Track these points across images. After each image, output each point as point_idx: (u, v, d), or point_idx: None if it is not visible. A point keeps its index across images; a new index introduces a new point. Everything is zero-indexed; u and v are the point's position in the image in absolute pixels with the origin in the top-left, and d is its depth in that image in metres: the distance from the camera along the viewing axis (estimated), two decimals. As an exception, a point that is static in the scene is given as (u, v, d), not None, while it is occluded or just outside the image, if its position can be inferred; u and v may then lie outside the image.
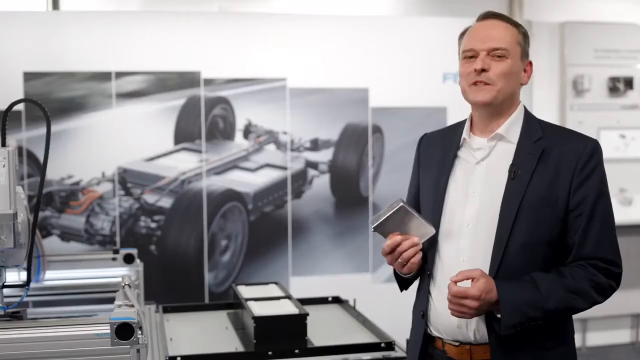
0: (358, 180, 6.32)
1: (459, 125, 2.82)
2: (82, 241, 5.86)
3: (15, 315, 2.85)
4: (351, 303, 4.05)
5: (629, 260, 7.15)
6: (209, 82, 6.03)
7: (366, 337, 3.52)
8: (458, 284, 2.48)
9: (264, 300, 3.65)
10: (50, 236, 5.80)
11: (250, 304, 3.53)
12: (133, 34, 5.95)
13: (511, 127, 2.66)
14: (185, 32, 6.03)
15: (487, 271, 2.53)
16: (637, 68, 7.06)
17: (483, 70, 2.60)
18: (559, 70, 6.95)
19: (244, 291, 3.84)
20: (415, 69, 6.36)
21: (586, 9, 7.24)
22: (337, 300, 4.22)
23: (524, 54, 2.68)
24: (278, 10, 6.63)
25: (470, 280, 2.46)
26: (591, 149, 2.57)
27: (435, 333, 2.69)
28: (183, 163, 6.01)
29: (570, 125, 6.86)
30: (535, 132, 2.64)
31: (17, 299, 2.88)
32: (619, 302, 6.97)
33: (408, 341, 2.93)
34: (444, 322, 2.64)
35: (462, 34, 2.79)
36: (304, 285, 5.99)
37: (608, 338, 7.16)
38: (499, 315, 2.48)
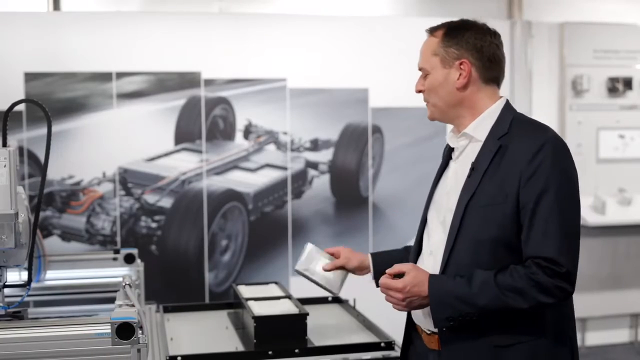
0: (358, 180, 6.33)
1: None
2: (83, 241, 5.87)
3: (16, 315, 2.85)
4: (351, 303, 4.05)
5: (627, 260, 7.23)
6: (209, 82, 6.04)
7: (366, 337, 3.52)
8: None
9: (264, 300, 3.65)
10: (51, 236, 5.81)
11: (251, 303, 3.53)
12: (134, 34, 5.96)
13: (479, 126, 2.67)
14: (186, 32, 6.04)
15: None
16: (636, 68, 7.06)
17: (420, 91, 2.81)
18: (558, 71, 6.95)
19: (244, 291, 3.84)
20: (414, 69, 6.32)
21: (585, 9, 7.24)
22: (337, 300, 4.20)
23: (445, 60, 2.71)
24: (278, 11, 6.63)
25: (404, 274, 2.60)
26: (541, 142, 2.51)
27: (415, 320, 2.81)
28: (183, 163, 6.02)
29: (569, 125, 6.87)
30: (502, 128, 2.62)
31: (18, 299, 2.88)
32: (618, 301, 7.02)
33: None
34: (416, 312, 2.74)
35: None
36: (304, 285, 5.95)
37: (607, 338, 7.16)
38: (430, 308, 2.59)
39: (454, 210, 2.61)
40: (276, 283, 4.12)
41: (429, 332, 2.70)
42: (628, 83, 6.97)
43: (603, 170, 6.92)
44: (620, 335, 7.24)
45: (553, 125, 6.92)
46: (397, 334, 3.44)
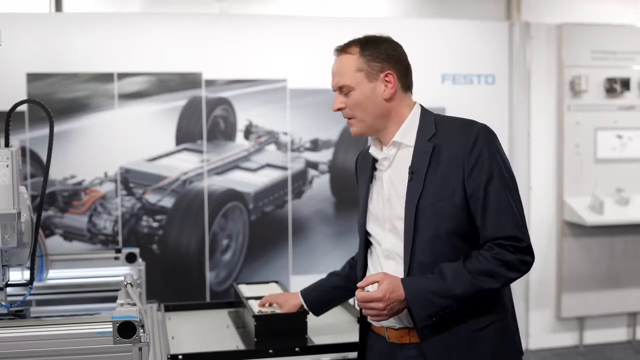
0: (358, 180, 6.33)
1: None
2: (85, 240, 5.89)
3: (18, 313, 2.84)
4: (351, 302, 4.06)
5: (626, 259, 7.24)
6: (210, 83, 6.06)
7: (365, 336, 3.54)
8: (366, 288, 2.61)
9: (265, 299, 3.67)
10: (53, 236, 5.83)
11: (251, 302, 3.53)
12: (135, 35, 5.98)
13: (406, 132, 2.75)
14: (187, 33, 6.05)
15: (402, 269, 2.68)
16: (634, 69, 7.05)
17: (340, 109, 2.80)
18: (557, 71, 6.95)
19: (245, 290, 3.85)
20: (414, 70, 6.33)
21: (584, 10, 7.25)
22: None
23: (370, 74, 2.75)
24: (278, 12, 6.64)
25: (377, 284, 2.59)
26: (475, 133, 2.63)
27: (376, 324, 2.83)
28: (184, 163, 6.03)
29: (568, 125, 6.87)
30: (429, 130, 2.72)
31: (21, 298, 2.85)
32: (616, 300, 7.03)
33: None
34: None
35: None
36: (304, 284, 5.96)
37: (605, 336, 7.16)
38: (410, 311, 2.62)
39: (404, 214, 2.67)
40: (276, 282, 4.11)
41: (396, 328, 2.74)
42: (626, 84, 6.96)
43: (601, 170, 6.92)
44: (618, 334, 7.24)
45: (551, 125, 6.93)
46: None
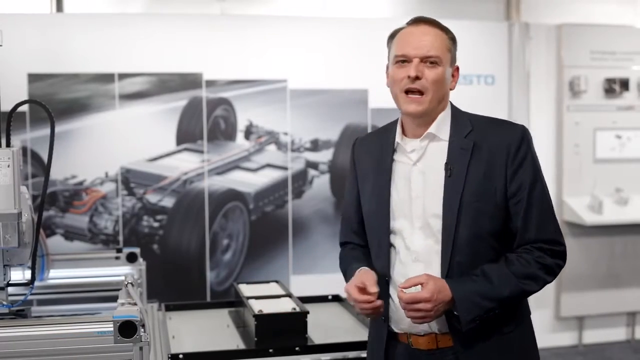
0: (358, 180, 6.34)
1: (391, 127, 2.84)
2: (86, 240, 5.89)
3: (19, 313, 2.85)
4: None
5: (625, 259, 7.25)
6: (210, 83, 6.06)
7: (365, 335, 3.46)
8: (407, 290, 2.51)
9: (265, 298, 3.67)
10: (54, 235, 5.84)
11: (251, 302, 3.55)
12: (136, 36, 5.98)
13: (441, 125, 2.68)
14: (187, 34, 6.06)
15: (439, 269, 2.60)
16: (633, 69, 7.05)
17: (417, 77, 2.63)
18: (556, 72, 6.95)
19: (245, 289, 3.86)
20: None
21: (583, 11, 7.25)
22: (337, 298, 4.23)
23: (453, 60, 2.72)
24: (279, 13, 6.64)
25: (420, 285, 2.50)
26: (520, 136, 2.62)
27: (398, 331, 2.72)
28: (185, 163, 6.04)
29: (567, 125, 6.88)
30: (465, 126, 2.68)
31: (22, 297, 2.85)
32: (615, 300, 7.04)
33: (368, 344, 2.94)
34: (407, 322, 2.63)
35: (392, 36, 2.86)
36: (304, 284, 6.01)
37: (604, 336, 7.16)
38: (457, 313, 2.53)
39: (442, 211, 2.60)
40: (277, 282, 4.13)
41: (422, 334, 2.66)
42: (625, 84, 6.96)
43: (600, 170, 6.92)
44: (617, 333, 7.25)
45: (551, 125, 6.94)
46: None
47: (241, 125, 6.15)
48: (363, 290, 2.59)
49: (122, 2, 6.45)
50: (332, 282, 5.91)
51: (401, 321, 2.68)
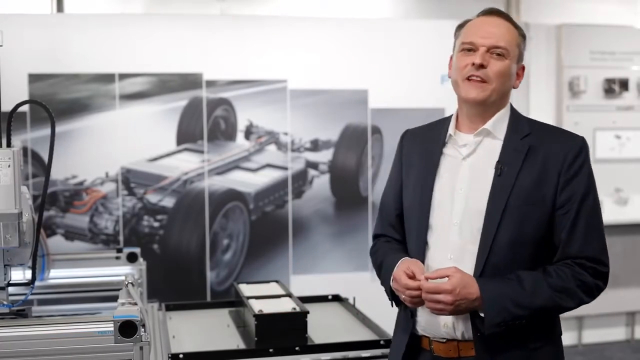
0: (357, 180, 6.36)
1: (443, 122, 2.78)
2: (86, 240, 5.89)
3: (20, 313, 2.85)
4: (351, 301, 4.07)
5: (624, 259, 7.25)
6: (210, 83, 6.07)
7: (365, 335, 3.56)
8: (434, 281, 2.45)
9: (265, 298, 3.68)
10: (54, 235, 5.84)
11: (252, 302, 3.56)
12: (136, 36, 5.98)
13: (498, 123, 2.62)
14: (188, 34, 6.06)
15: (472, 269, 2.51)
16: (632, 70, 7.07)
17: (481, 66, 2.55)
18: (556, 72, 6.97)
19: (245, 289, 3.87)
20: (413, 70, 6.39)
21: (582, 11, 7.26)
22: (337, 298, 4.24)
23: (520, 57, 2.65)
24: (279, 13, 6.65)
25: (447, 278, 2.44)
26: (579, 146, 2.55)
27: (421, 332, 2.66)
28: (185, 163, 6.04)
29: (567, 126, 6.87)
30: (522, 128, 2.61)
31: (22, 297, 2.85)
32: (614, 300, 7.05)
33: (391, 343, 2.89)
34: (431, 321, 2.60)
35: (461, 26, 2.75)
36: (304, 284, 6.01)
37: (603, 335, 7.17)
38: (482, 314, 2.45)
39: (486, 210, 2.53)
40: (277, 282, 4.14)
41: (444, 341, 2.59)
42: (624, 84, 6.98)
43: (599, 170, 6.76)
44: (617, 333, 7.26)
45: (550, 125, 6.95)
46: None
47: (241, 125, 6.15)
48: (412, 278, 2.53)
49: (123, 3, 6.46)
50: (332, 282, 5.97)
51: (424, 322, 2.63)
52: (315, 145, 6.26)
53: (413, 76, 6.38)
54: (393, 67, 6.35)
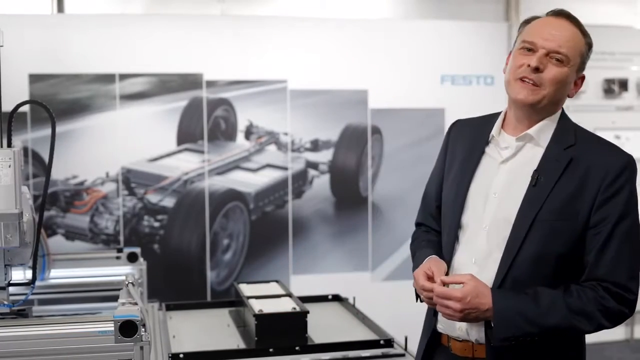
0: (357, 180, 6.36)
1: (493, 118, 2.69)
2: (87, 240, 5.90)
3: (20, 313, 2.84)
4: (351, 301, 4.07)
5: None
6: (211, 83, 6.08)
7: (365, 334, 3.55)
8: (451, 286, 2.41)
9: (265, 298, 3.67)
10: (55, 235, 5.85)
11: (252, 301, 3.55)
12: (136, 36, 5.99)
13: (543, 130, 2.51)
14: (188, 34, 6.07)
15: (493, 278, 2.45)
16: (631, 70, 7.07)
17: (537, 69, 2.44)
18: (555, 72, 6.98)
19: (246, 289, 3.86)
20: (413, 71, 6.40)
21: (581, 11, 7.17)
22: (337, 298, 4.23)
23: (582, 66, 2.54)
24: (279, 13, 6.65)
25: (462, 284, 2.39)
26: (623, 164, 2.41)
27: (441, 329, 2.63)
28: (185, 163, 6.05)
29: (566, 126, 6.90)
30: (568, 138, 2.49)
31: (23, 297, 2.85)
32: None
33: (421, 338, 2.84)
34: (448, 321, 2.55)
35: (527, 22, 2.62)
36: (304, 284, 6.02)
37: (603, 335, 7.12)
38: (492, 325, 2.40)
39: (514, 220, 2.44)
40: (277, 281, 4.13)
41: (460, 340, 2.56)
42: (624, 84, 6.98)
43: None
44: (616, 333, 7.24)
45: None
46: (396, 332, 3.47)
47: (241, 125, 6.16)
48: (431, 279, 2.48)
49: (123, 3, 6.46)
50: (332, 281, 5.98)
51: (443, 320, 2.59)
52: (315, 146, 6.26)
53: (413, 76, 6.39)
54: (393, 67, 6.36)
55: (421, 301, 2.69)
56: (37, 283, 3.16)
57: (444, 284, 2.44)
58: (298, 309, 3.48)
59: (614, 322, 2.42)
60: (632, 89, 7.05)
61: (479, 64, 6.55)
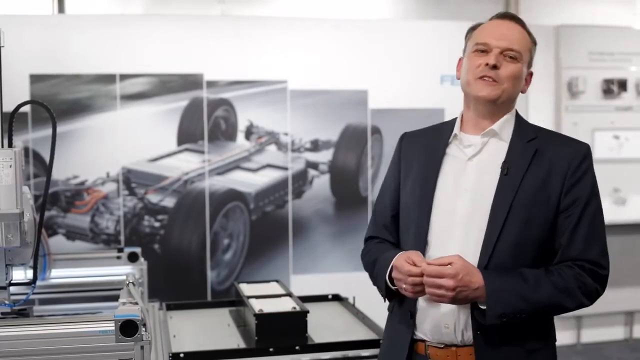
0: (357, 180, 6.37)
1: (445, 124, 2.81)
2: (87, 240, 5.91)
3: (21, 312, 2.86)
4: (351, 300, 4.07)
5: (622, 258, 7.27)
6: (211, 84, 6.09)
7: (365, 334, 3.56)
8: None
9: (265, 297, 3.68)
10: (56, 235, 5.85)
11: (252, 301, 3.56)
12: (137, 37, 6.00)
13: (505, 125, 2.64)
14: (188, 35, 6.08)
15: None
16: (630, 70, 7.08)
17: (495, 66, 2.57)
18: (555, 73, 6.97)
19: (246, 289, 3.88)
20: (413, 71, 6.40)
21: (581, 12, 7.27)
22: (337, 297, 4.24)
23: (530, 62, 2.69)
24: (279, 14, 6.66)
25: (449, 265, 2.41)
26: (584, 152, 2.58)
27: (420, 335, 2.63)
28: (186, 163, 6.06)
29: (565, 126, 6.90)
30: (528, 133, 2.65)
31: (24, 297, 2.88)
32: (613, 299, 7.03)
33: (381, 345, 2.86)
34: (432, 323, 2.59)
35: (473, 28, 2.75)
36: (304, 283, 6.03)
37: (602, 335, 7.19)
38: (483, 307, 2.45)
39: (490, 209, 2.53)
40: (277, 281, 4.15)
41: (441, 346, 2.58)
42: (623, 85, 6.99)
43: (598, 170, 6.74)
44: (615, 332, 7.27)
45: (549, 125, 6.95)
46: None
47: (242, 125, 6.17)
48: (413, 266, 2.49)
49: (123, 3, 6.47)
50: (332, 281, 5.98)
51: (424, 325, 2.62)
52: (315, 146, 6.27)
53: (413, 76, 6.40)
54: (393, 67, 6.36)
55: (389, 300, 2.75)
56: (38, 283, 3.16)
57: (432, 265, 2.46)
58: (298, 308, 3.49)
59: (590, 300, 2.55)
60: (631, 89, 7.07)
61: (479, 64, 6.53)
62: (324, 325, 3.65)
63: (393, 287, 2.64)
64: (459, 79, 2.76)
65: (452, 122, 2.77)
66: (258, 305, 3.49)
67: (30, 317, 2.89)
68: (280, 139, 6.22)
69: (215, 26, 6.19)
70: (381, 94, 6.34)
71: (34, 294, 3.11)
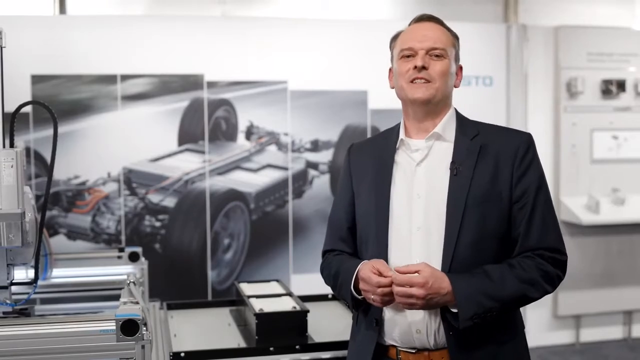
0: (358, 180, 6.37)
1: (390, 131, 2.83)
2: (88, 240, 5.92)
3: (23, 312, 2.88)
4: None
5: (621, 258, 7.28)
6: (212, 84, 6.10)
7: (364, 334, 3.57)
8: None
9: (266, 297, 3.69)
10: (57, 235, 5.86)
11: (252, 300, 3.57)
12: (138, 37, 6.01)
13: (447, 126, 2.67)
14: (189, 35, 6.09)
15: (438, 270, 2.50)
16: (629, 71, 7.08)
17: (423, 67, 2.62)
18: (553, 73, 6.98)
19: (246, 288, 3.88)
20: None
21: (580, 13, 7.26)
22: (336, 297, 4.25)
23: (457, 57, 2.74)
24: (279, 15, 6.66)
25: (417, 273, 2.42)
26: (527, 141, 2.63)
27: (389, 342, 2.65)
28: (186, 163, 6.07)
29: (564, 126, 6.91)
30: (470, 130, 2.68)
31: (25, 296, 2.90)
32: (612, 299, 7.07)
33: (348, 352, 2.88)
34: (401, 329, 2.60)
35: (395, 37, 2.84)
36: (304, 283, 6.02)
37: (601, 334, 7.18)
38: (454, 310, 2.47)
39: (446, 212, 2.54)
40: (277, 281, 4.15)
41: (413, 351, 2.59)
42: (621, 85, 6.99)
43: (597, 170, 6.96)
44: (614, 331, 7.27)
45: (548, 126, 6.97)
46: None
47: (242, 126, 6.18)
48: (380, 276, 2.50)
49: (125, 4, 6.47)
50: (332, 281, 5.96)
51: (393, 331, 2.62)
52: (316, 146, 6.28)
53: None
54: (392, 68, 6.36)
55: (356, 310, 2.75)
56: (39, 282, 3.17)
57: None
58: (298, 308, 3.51)
59: (553, 286, 2.60)
60: (630, 89, 7.06)
61: (478, 65, 6.57)
62: (324, 324, 3.64)
63: (359, 297, 2.65)
64: (392, 87, 2.80)
65: (396, 129, 2.79)
66: (258, 305, 3.50)
67: (32, 316, 2.90)
68: (280, 139, 6.23)
69: (216, 27, 6.20)
70: (381, 94, 6.33)
71: (35, 293, 3.12)
